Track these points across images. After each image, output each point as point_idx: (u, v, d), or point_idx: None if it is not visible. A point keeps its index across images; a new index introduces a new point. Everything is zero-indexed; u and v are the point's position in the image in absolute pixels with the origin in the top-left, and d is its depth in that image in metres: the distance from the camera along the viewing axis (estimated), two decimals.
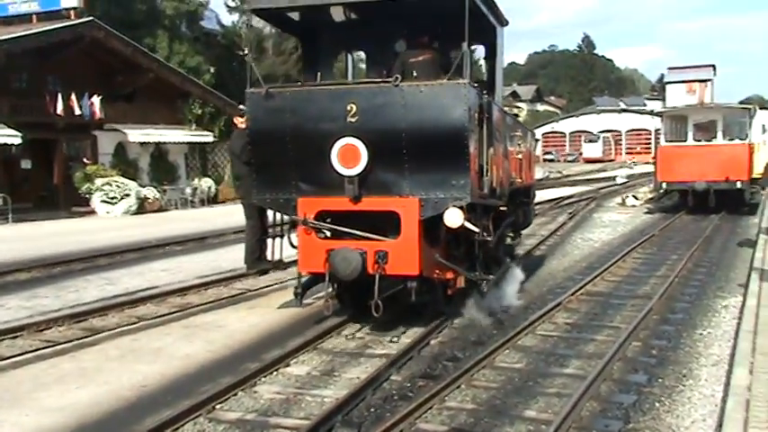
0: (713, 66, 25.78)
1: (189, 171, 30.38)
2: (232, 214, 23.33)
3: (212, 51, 47.25)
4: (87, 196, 24.28)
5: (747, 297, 8.82)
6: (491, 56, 8.55)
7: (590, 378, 6.08)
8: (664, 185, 20.99)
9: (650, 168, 28.51)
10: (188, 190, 28.17)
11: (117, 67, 27.42)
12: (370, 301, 7.10)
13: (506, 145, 8.67)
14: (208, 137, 30.09)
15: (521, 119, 31.88)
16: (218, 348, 7.42)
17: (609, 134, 77.25)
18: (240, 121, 9.58)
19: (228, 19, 54.17)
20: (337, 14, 8.07)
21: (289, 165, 7.32)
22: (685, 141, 21.07)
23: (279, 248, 9.01)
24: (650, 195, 24.87)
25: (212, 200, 28.70)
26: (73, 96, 24.52)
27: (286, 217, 8.03)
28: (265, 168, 7.53)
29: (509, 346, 7.28)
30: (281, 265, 9.86)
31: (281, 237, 8.41)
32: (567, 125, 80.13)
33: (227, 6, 53.51)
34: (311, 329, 7.88)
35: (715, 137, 20.89)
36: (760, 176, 21.41)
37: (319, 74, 8.32)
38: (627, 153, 74.56)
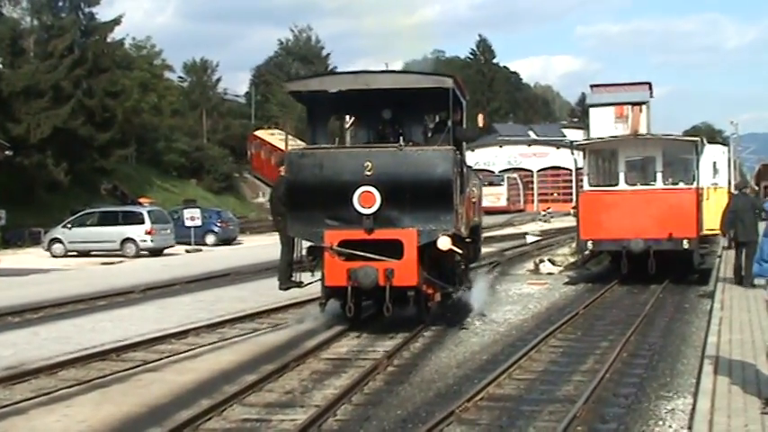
0: (649, 84, 27.17)
1: None
2: None
3: None
4: None
5: (699, 397, 9.31)
6: (459, 123, 15.04)
7: None
8: (589, 245, 21.78)
9: (571, 222, 29.65)
10: None
11: None
12: (363, 313, 15.31)
13: (468, 191, 15.35)
14: None
15: None
16: None
17: (515, 174, 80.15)
18: (281, 169, 16.19)
19: None
20: (335, 89, 14.92)
21: (318, 206, 14.02)
22: (616, 185, 22.01)
23: (299, 274, 15.67)
24: (572, 259, 25.85)
25: None
26: None
27: (305, 247, 14.79)
28: (300, 208, 14.27)
29: None
30: (302, 285, 15.78)
31: (301, 263, 15.01)
32: None
33: None
34: None
35: (654, 179, 21.96)
36: (712, 233, 22.31)
37: (319, 130, 15.95)
38: (540, 201, 77.64)
